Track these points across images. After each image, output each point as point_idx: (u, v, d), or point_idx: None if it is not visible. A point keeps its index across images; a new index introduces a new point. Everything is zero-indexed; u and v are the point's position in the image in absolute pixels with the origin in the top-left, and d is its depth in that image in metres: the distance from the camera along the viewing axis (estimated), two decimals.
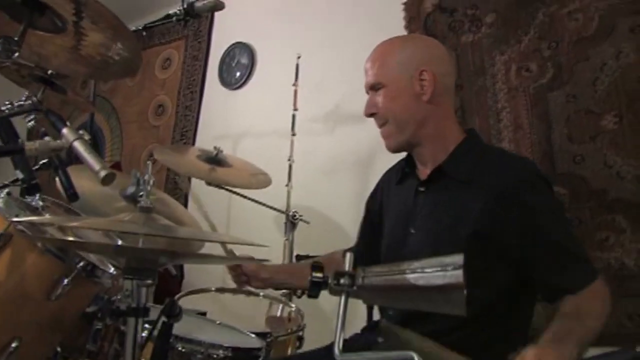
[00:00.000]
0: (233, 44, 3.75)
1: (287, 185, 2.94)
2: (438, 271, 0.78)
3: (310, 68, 3.10)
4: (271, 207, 2.70)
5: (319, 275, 0.83)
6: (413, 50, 1.66)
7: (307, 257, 2.46)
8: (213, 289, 2.23)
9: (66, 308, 1.33)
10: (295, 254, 2.68)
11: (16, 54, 1.18)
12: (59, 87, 1.35)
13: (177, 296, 1.86)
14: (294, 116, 3.03)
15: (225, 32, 3.83)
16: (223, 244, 2.00)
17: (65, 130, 1.02)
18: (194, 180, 3.51)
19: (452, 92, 1.69)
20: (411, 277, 0.80)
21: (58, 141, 1.02)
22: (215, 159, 2.49)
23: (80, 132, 1.01)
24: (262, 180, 2.54)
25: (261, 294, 2.22)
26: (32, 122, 1.53)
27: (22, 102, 1.55)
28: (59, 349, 1.38)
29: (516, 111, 2.51)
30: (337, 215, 3.07)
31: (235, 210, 3.34)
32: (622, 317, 2.14)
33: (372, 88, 1.65)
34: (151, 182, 1.09)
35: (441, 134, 1.61)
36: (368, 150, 3.00)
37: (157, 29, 4.05)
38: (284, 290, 2.37)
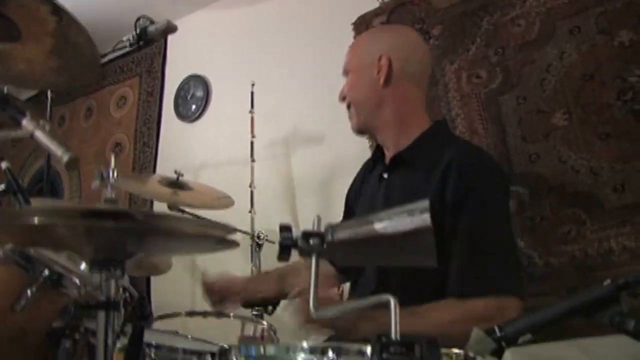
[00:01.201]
0: (187, 77, 3.77)
1: (250, 212, 2.93)
2: (405, 217, 0.79)
3: (265, 94, 3.14)
4: (235, 229, 2.66)
5: (288, 236, 0.83)
6: (378, 39, 1.77)
7: None
8: (183, 313, 2.18)
9: (32, 321, 1.28)
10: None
11: None
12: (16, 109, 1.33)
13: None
14: (252, 143, 3.05)
15: (178, 66, 3.84)
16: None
17: (25, 122, 1.00)
18: (155, 206, 3.47)
19: (419, 80, 1.75)
20: (379, 226, 0.80)
21: (18, 131, 1.00)
22: (176, 183, 2.47)
23: (41, 122, 1.00)
24: (224, 202, 2.52)
25: (231, 314, 2.18)
26: None
27: None
28: None
29: (470, 117, 2.57)
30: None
31: None
32: None
33: (345, 74, 1.79)
34: (114, 174, 1.08)
35: (401, 120, 1.66)
36: (328, 170, 3.03)
37: (111, 68, 4.05)
38: (255, 310, 2.34)
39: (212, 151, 3.51)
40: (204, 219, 0.96)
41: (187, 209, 2.53)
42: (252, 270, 2.79)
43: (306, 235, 0.85)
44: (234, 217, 2.67)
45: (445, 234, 1.41)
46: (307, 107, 3.15)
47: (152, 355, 1.38)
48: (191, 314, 2.22)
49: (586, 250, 2.20)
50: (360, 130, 1.78)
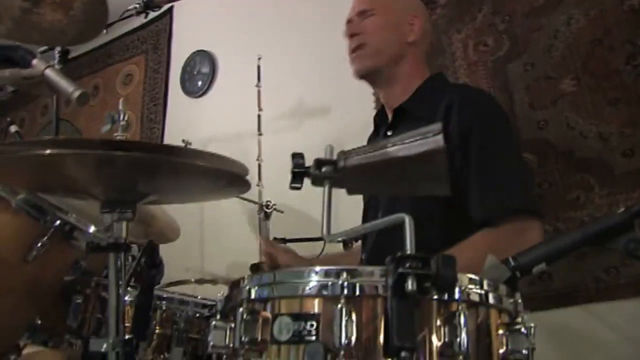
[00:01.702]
0: (193, 53, 3.76)
1: (258, 185, 2.93)
2: (418, 139, 0.78)
3: (272, 68, 3.11)
4: (243, 198, 2.68)
5: (300, 163, 0.83)
6: None
7: (283, 240, 2.43)
8: (192, 280, 2.20)
9: (43, 272, 1.29)
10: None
11: None
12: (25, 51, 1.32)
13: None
14: (259, 116, 3.03)
15: (184, 42, 3.84)
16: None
17: (35, 61, 1.01)
18: None
19: (429, 41, 1.82)
20: (392, 149, 0.80)
21: (30, 69, 1.01)
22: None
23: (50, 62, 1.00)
24: None
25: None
26: None
27: None
28: (38, 321, 1.32)
29: (477, 85, 2.55)
30: (310, 206, 3.06)
31: (208, 210, 3.32)
32: (598, 271, 2.15)
33: (361, 14, 1.74)
34: (125, 116, 1.08)
35: (411, 75, 1.67)
36: (335, 142, 3.00)
37: (117, 46, 4.05)
38: None
39: (220, 126, 3.51)
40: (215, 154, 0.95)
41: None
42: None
43: (318, 162, 0.84)
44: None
45: (453, 168, 1.41)
46: (314, 80, 3.14)
47: (163, 307, 1.40)
48: (200, 281, 2.24)
49: (595, 216, 2.19)
50: (366, 74, 1.77)
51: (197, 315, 1.42)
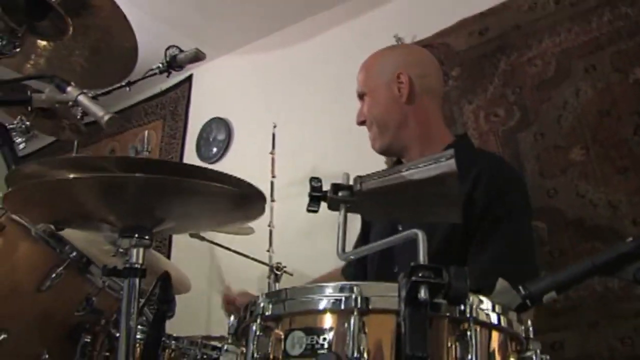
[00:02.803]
0: (210, 120, 3.86)
1: (268, 251, 2.94)
2: (431, 164, 0.81)
3: (287, 135, 3.20)
4: (254, 259, 2.69)
5: (318, 187, 0.86)
6: (392, 57, 1.79)
7: None
8: (199, 337, 2.17)
9: (56, 303, 1.30)
10: None
11: (17, 50, 1.24)
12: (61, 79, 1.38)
13: None
14: (272, 183, 3.08)
15: (201, 109, 3.95)
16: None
17: (70, 88, 1.07)
18: (175, 236, 3.51)
19: (437, 94, 1.80)
20: (406, 173, 0.83)
21: (64, 95, 1.06)
22: None
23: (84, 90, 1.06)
24: (244, 230, 2.55)
25: None
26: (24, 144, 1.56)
27: (13, 126, 1.59)
28: (46, 356, 1.32)
29: None
30: (321, 269, 3.05)
31: (217, 268, 3.31)
32: (613, 341, 2.12)
33: (360, 97, 1.79)
34: (149, 147, 1.12)
35: (427, 135, 1.68)
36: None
37: (136, 110, 4.17)
38: None
39: None
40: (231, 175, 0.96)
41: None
42: None
43: (335, 187, 0.87)
44: (253, 254, 2.71)
45: (470, 235, 1.43)
46: (328, 147, 3.20)
47: (172, 347, 1.39)
48: (207, 338, 2.21)
49: (606, 283, 2.18)
50: (384, 151, 1.79)
51: (205, 356, 1.41)
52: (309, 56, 3.52)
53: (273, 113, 3.37)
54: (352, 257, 0.83)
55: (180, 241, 3.53)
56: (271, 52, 3.74)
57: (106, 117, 1.00)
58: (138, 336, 1.32)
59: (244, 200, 1.06)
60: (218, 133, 3.78)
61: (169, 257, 3.48)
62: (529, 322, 0.86)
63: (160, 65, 2.22)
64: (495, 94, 2.67)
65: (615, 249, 0.89)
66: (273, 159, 3.13)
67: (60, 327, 1.34)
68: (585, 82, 2.42)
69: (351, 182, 0.87)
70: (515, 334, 0.84)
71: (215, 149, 3.76)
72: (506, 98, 2.63)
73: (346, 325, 0.77)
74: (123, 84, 2.27)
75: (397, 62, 1.75)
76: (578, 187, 2.34)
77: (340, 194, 0.86)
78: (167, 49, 2.23)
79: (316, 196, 0.87)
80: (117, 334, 1.26)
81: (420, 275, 0.70)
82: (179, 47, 2.26)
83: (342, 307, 0.79)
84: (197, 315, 3.05)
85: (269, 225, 2.98)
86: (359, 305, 0.77)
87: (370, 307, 0.78)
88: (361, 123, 1.80)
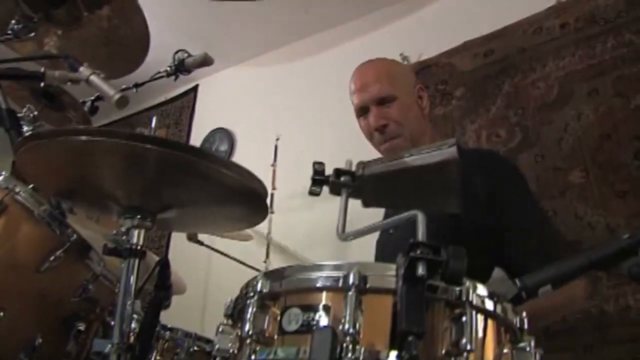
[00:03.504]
0: (213, 130, 3.88)
1: (264, 262, 2.95)
2: (433, 150, 0.83)
3: (289, 148, 3.22)
4: (251, 267, 2.69)
5: (321, 171, 0.87)
6: (406, 69, 1.80)
7: None
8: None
9: (53, 286, 1.29)
10: None
11: (33, 33, 1.26)
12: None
13: None
14: (272, 195, 3.09)
15: (205, 119, 3.98)
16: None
17: (82, 68, 1.09)
18: (174, 239, 3.50)
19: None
20: (409, 159, 0.84)
21: (77, 74, 1.08)
22: None
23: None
24: (243, 235, 2.56)
25: None
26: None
27: (21, 115, 1.61)
28: (40, 340, 1.31)
29: None
30: None
31: (214, 274, 3.31)
32: None
33: (380, 102, 1.71)
34: (155, 132, 1.13)
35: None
36: (347, 224, 3.05)
37: (140, 118, 4.19)
38: None
39: None
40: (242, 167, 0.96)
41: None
42: None
43: (338, 172, 0.88)
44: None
45: (474, 225, 1.45)
46: (330, 160, 3.21)
47: (166, 337, 1.39)
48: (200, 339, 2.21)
49: (602, 307, 2.18)
50: None
51: (199, 349, 1.41)
52: (315, 71, 3.55)
53: (276, 125, 3.39)
54: (351, 237, 0.83)
55: (177, 247, 3.53)
56: (277, 66, 3.78)
57: (117, 96, 1.02)
58: (132, 325, 1.31)
59: (249, 199, 1.07)
60: (221, 144, 3.80)
61: None
62: (524, 314, 0.86)
63: (168, 68, 2.24)
64: (497, 115, 2.69)
65: (611, 244, 0.90)
66: (274, 171, 3.14)
67: (56, 311, 1.33)
68: (587, 105, 2.45)
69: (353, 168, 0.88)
70: (510, 323, 0.85)
71: None
72: (508, 119, 2.65)
73: (343, 303, 0.77)
74: (130, 85, 2.29)
75: (412, 75, 1.78)
76: (577, 209, 2.35)
77: (342, 178, 0.87)
78: (176, 52, 2.25)
79: (318, 180, 0.88)
80: (112, 322, 1.25)
81: (418, 252, 0.71)
82: (187, 52, 2.28)
83: (340, 285, 0.79)
84: (191, 318, 3.04)
85: (267, 237, 2.99)
86: (356, 283, 0.77)
87: (367, 286, 0.78)
88: (383, 127, 1.71)
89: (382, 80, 1.73)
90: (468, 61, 2.86)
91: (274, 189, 3.11)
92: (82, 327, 1.40)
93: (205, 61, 2.33)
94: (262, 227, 2.99)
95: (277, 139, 3.20)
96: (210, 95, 4.00)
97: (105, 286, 1.47)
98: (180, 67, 2.28)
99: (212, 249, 2.66)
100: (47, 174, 1.12)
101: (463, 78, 2.86)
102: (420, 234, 0.74)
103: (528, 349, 0.84)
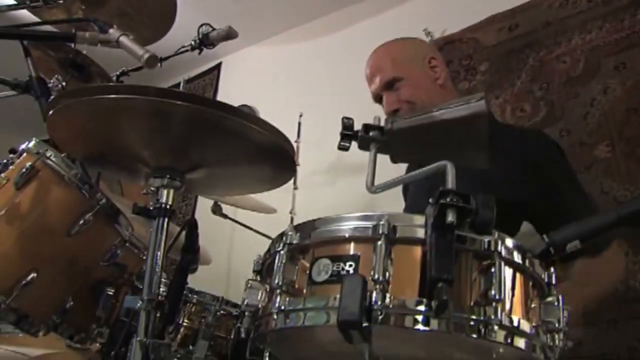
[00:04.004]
0: None
1: None
2: (462, 104, 0.83)
3: (312, 124, 3.22)
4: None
5: (350, 126, 0.87)
6: (414, 45, 1.81)
7: None
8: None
9: (83, 249, 1.32)
10: None
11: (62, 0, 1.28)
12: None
13: None
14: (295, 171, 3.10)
15: (228, 96, 3.98)
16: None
17: (112, 30, 1.10)
18: (198, 211, 3.56)
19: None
20: (437, 113, 0.84)
21: (107, 35, 1.09)
22: None
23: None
24: (267, 208, 2.59)
25: None
26: None
27: (50, 84, 1.63)
28: (71, 303, 1.34)
29: None
30: None
31: (237, 245, 3.34)
32: (632, 341, 2.10)
33: (388, 87, 1.75)
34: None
35: None
36: (368, 199, 3.06)
37: None
38: None
39: None
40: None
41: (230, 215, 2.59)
42: None
43: (366, 127, 0.89)
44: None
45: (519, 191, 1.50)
46: None
47: (194, 301, 1.41)
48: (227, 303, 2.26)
49: (628, 282, 2.16)
50: None
51: (226, 313, 1.43)
52: (338, 48, 3.54)
53: (299, 102, 3.39)
54: (379, 190, 0.84)
55: (202, 220, 3.56)
56: (300, 43, 3.77)
57: (146, 56, 1.03)
58: (162, 289, 1.33)
59: (276, 156, 1.07)
60: None
61: None
62: (552, 269, 0.86)
63: (193, 42, 2.25)
64: (522, 89, 2.67)
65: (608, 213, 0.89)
66: (298, 147, 3.15)
67: (86, 275, 1.36)
68: (614, 79, 2.42)
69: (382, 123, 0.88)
70: (538, 277, 0.85)
71: None
72: (533, 94, 2.63)
73: (373, 252, 0.78)
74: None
75: (421, 48, 1.79)
76: (603, 184, 2.32)
77: (371, 133, 0.87)
78: (200, 26, 2.26)
79: (347, 134, 0.89)
80: (141, 287, 1.27)
81: (448, 199, 0.71)
82: (211, 25, 2.28)
83: (370, 234, 0.80)
84: (215, 290, 3.10)
85: (291, 213, 3.00)
86: (386, 233, 0.78)
87: (397, 235, 0.79)
88: (395, 112, 1.75)
89: (384, 67, 1.78)
90: (492, 36, 2.83)
91: (297, 165, 3.12)
92: (111, 292, 1.42)
93: (229, 34, 2.34)
94: (286, 203, 3.01)
95: (301, 116, 3.20)
96: (233, 73, 4.01)
97: (133, 253, 1.50)
98: (205, 41, 2.29)
99: (236, 221, 2.68)
100: (77, 137, 1.14)
101: (487, 53, 2.83)
102: (450, 183, 0.74)
103: (556, 303, 0.84)
